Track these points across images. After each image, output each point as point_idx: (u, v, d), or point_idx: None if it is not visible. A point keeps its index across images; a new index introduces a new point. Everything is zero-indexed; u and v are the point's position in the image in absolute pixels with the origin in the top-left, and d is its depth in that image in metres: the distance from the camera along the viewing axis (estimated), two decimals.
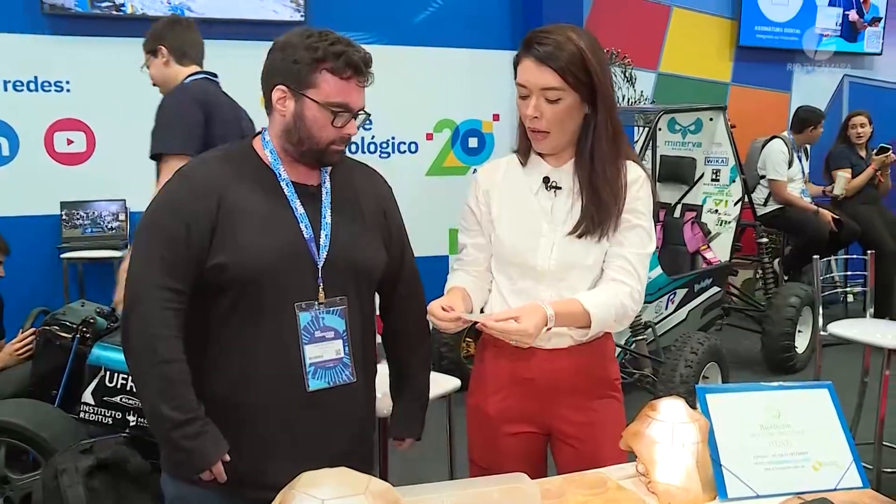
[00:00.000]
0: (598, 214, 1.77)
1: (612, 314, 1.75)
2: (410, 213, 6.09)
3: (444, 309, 1.70)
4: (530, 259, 1.82)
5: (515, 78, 1.77)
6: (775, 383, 1.78)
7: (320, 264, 1.69)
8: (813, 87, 6.73)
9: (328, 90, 1.63)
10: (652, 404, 1.69)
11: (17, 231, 4.62)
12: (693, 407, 1.69)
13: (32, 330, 3.24)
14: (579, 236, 1.78)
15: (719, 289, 4.82)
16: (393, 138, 5.49)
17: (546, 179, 1.83)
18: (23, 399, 2.93)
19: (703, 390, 1.75)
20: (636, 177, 1.81)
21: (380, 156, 5.46)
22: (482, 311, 1.88)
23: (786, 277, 5.82)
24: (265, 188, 1.69)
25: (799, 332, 4.93)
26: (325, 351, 1.69)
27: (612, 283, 1.79)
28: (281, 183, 1.70)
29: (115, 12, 4.68)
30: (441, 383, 2.56)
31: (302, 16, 5.02)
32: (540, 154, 1.84)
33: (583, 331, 1.78)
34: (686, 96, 6.20)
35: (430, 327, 1.84)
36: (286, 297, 1.66)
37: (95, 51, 4.69)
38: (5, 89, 4.64)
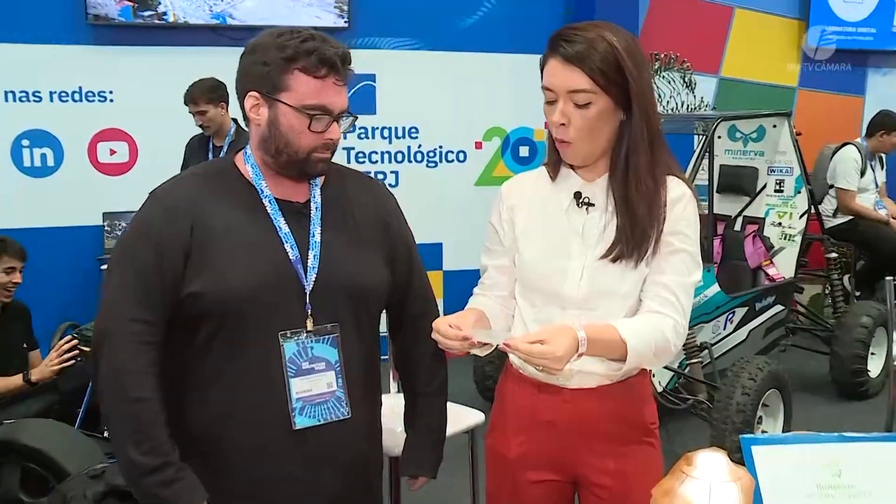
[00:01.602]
0: (634, 235, 1.56)
1: (650, 347, 1.54)
2: (458, 224, 6.00)
3: (451, 327, 1.50)
4: (557, 284, 1.62)
5: (542, 81, 1.58)
6: (835, 434, 1.54)
7: (308, 288, 1.54)
8: (889, 90, 6.33)
9: (302, 92, 1.50)
10: (687, 457, 1.47)
11: (59, 242, 4.63)
12: (737, 459, 1.48)
13: (69, 339, 3.17)
14: (613, 260, 1.58)
15: (783, 307, 4.52)
16: (440, 147, 5.34)
17: (577, 195, 1.63)
18: (42, 420, 2.86)
19: (749, 441, 1.52)
20: (680, 194, 1.60)
21: (427, 165, 5.32)
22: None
23: (857, 293, 5.47)
24: (246, 207, 1.55)
25: (872, 354, 4.59)
26: (314, 384, 1.55)
27: (651, 315, 1.58)
28: (263, 200, 1.56)
29: (157, 21, 4.65)
30: (462, 417, 2.38)
31: (346, 22, 4.92)
32: (572, 167, 1.65)
33: (616, 364, 1.57)
34: (749, 102, 5.90)
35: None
36: (270, 326, 1.51)
37: (138, 60, 4.68)
38: (50, 100, 4.65)
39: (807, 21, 6.03)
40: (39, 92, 4.63)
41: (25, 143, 4.66)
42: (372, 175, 5.99)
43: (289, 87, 1.50)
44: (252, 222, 1.54)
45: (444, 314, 1.73)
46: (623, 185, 1.58)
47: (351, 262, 1.60)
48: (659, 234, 1.58)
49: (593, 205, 1.63)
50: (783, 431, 3.65)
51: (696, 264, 1.61)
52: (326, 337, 1.56)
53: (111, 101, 4.72)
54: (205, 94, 4.16)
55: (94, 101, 4.70)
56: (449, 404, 2.53)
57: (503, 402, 1.77)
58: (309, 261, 1.55)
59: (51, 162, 4.71)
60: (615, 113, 1.55)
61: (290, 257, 1.54)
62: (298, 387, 1.53)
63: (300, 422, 1.53)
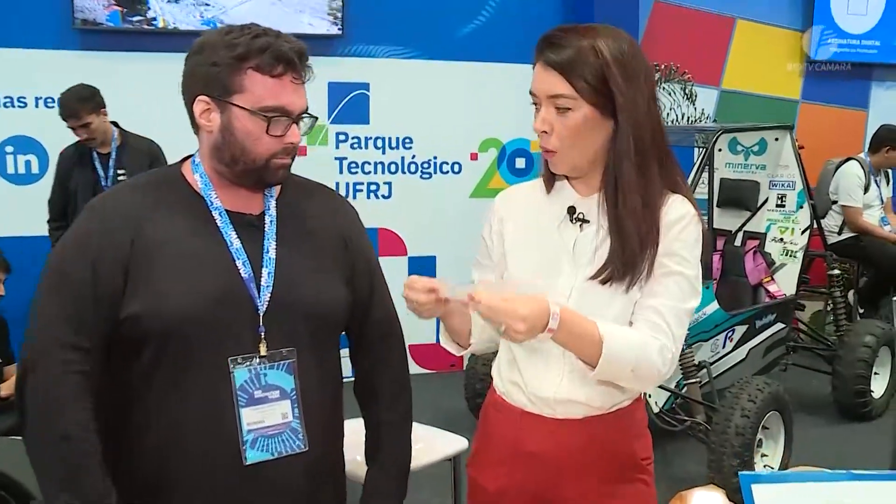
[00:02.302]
0: (624, 256, 1.45)
1: (630, 358, 1.41)
2: (453, 237, 5.87)
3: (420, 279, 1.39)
4: None
5: None
6: (842, 472, 1.42)
7: (262, 310, 1.42)
8: (893, 104, 6.23)
9: (257, 92, 1.38)
10: (681, 496, 1.36)
11: (44, 251, 4.49)
12: (735, 490, 1.36)
13: None
14: (603, 282, 1.46)
15: (784, 325, 4.40)
16: (435, 158, 5.22)
17: (571, 210, 1.52)
18: (7, 439, 2.74)
19: (749, 479, 1.40)
20: (681, 214, 1.48)
21: (421, 176, 5.21)
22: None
23: (861, 310, 5.36)
24: (194, 219, 1.42)
25: (875, 374, 4.47)
26: (267, 415, 1.42)
27: (641, 334, 1.46)
28: (213, 212, 1.43)
29: (146, 27, 4.55)
30: (444, 443, 2.25)
31: (339, 29, 4.82)
32: (567, 179, 1.54)
33: (602, 394, 1.45)
34: (751, 115, 5.79)
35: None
36: (218, 352, 1.39)
37: (127, 66, 4.56)
38: (36, 106, 4.54)
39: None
40: (25, 98, 4.52)
41: (10, 149, 4.55)
42: (364, 186, 5.86)
43: (242, 88, 1.38)
44: (199, 236, 1.42)
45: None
46: (613, 201, 1.47)
47: (309, 281, 1.48)
48: (653, 256, 1.46)
49: (588, 221, 1.51)
50: (784, 455, 3.53)
51: (693, 290, 1.48)
52: (281, 363, 1.44)
53: None
54: (86, 104, 3.93)
55: None
56: (431, 429, 2.42)
57: (485, 429, 1.66)
58: (263, 279, 1.43)
59: (36, 169, 4.59)
60: (602, 122, 1.45)
61: (242, 275, 1.42)
62: (250, 417, 1.40)
63: (252, 456, 1.40)
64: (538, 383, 1.53)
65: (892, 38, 6.14)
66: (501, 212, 1.61)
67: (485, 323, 1.59)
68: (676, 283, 1.46)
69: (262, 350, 1.42)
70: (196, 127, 1.45)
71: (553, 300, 1.38)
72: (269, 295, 1.42)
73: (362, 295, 1.58)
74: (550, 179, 1.56)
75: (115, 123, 4.16)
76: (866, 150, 5.55)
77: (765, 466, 3.45)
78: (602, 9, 5.10)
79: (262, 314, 1.42)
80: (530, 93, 1.48)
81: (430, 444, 2.02)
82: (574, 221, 1.52)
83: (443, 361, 4.98)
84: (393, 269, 5.19)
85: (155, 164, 4.23)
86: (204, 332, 1.38)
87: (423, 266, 5.21)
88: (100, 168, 4.13)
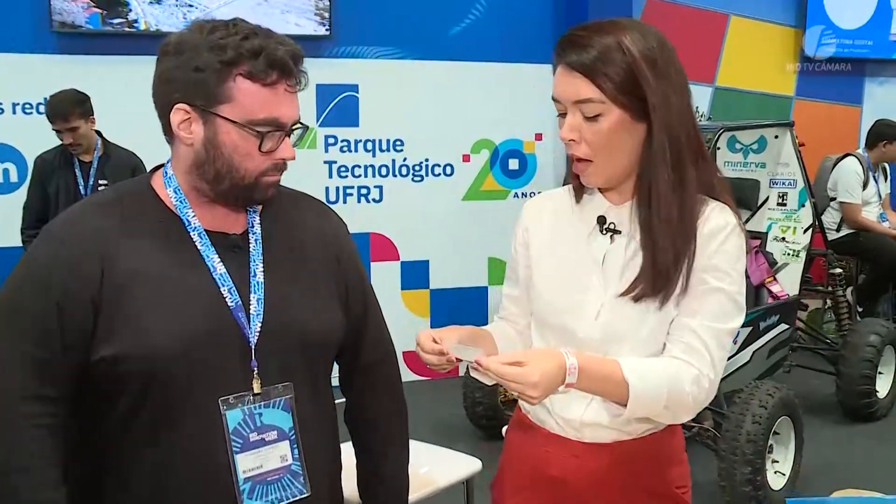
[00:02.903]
0: (656, 270, 1.33)
1: (661, 396, 1.30)
2: (445, 241, 5.75)
3: (434, 341, 1.29)
4: (570, 322, 1.40)
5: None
6: (877, 495, 1.32)
7: (253, 341, 1.27)
8: (887, 100, 6.18)
9: (248, 104, 1.22)
10: None
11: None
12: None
13: None
14: (635, 299, 1.35)
15: (788, 326, 4.31)
16: (427, 160, 5.11)
17: (602, 220, 1.41)
18: None
19: None
20: (721, 224, 1.36)
21: (412, 179, 5.09)
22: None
23: (860, 309, 5.28)
24: (169, 242, 1.26)
25: (880, 374, 4.39)
26: (265, 459, 1.28)
27: (671, 361, 1.34)
28: (191, 234, 1.28)
29: (128, 29, 4.41)
30: (456, 465, 2.13)
31: (327, 29, 4.69)
32: (600, 188, 1.42)
33: (619, 410, 1.33)
34: (745, 112, 5.71)
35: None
36: (207, 393, 1.23)
37: (108, 70, 4.42)
38: (13, 112, 4.39)
39: (803, 29, 5.86)
40: (1, 103, 4.36)
41: None
42: (355, 190, 5.72)
43: (230, 97, 1.22)
44: (178, 262, 1.25)
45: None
46: (646, 210, 1.35)
47: (302, 305, 1.34)
48: (689, 270, 1.34)
49: (619, 232, 1.40)
50: (795, 461, 3.44)
51: (736, 308, 1.36)
52: (277, 400, 1.30)
53: None
54: (75, 107, 3.84)
55: None
56: (440, 449, 2.30)
57: (509, 451, 1.55)
58: (252, 307, 1.28)
59: (14, 178, 4.44)
60: (635, 125, 1.33)
61: (229, 304, 1.26)
62: (246, 464, 1.26)
63: None
64: (565, 404, 1.42)
65: (885, 33, 6.08)
66: (527, 221, 1.50)
67: (502, 341, 1.49)
68: (717, 301, 1.34)
69: (256, 387, 1.27)
70: (171, 137, 1.29)
71: (566, 350, 1.27)
72: (259, 324, 1.28)
73: (356, 314, 1.45)
74: (580, 187, 1.44)
75: (99, 133, 4.04)
76: (863, 145, 5.49)
77: (776, 473, 3.36)
78: (595, 5, 5.00)
79: (253, 346, 1.27)
80: (553, 98, 1.36)
81: (440, 466, 1.89)
82: (605, 232, 1.41)
83: None
84: (385, 275, 5.12)
85: (135, 174, 4.10)
86: (190, 373, 1.23)
87: (416, 271, 5.09)
88: (80, 176, 4.01)
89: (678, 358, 1.33)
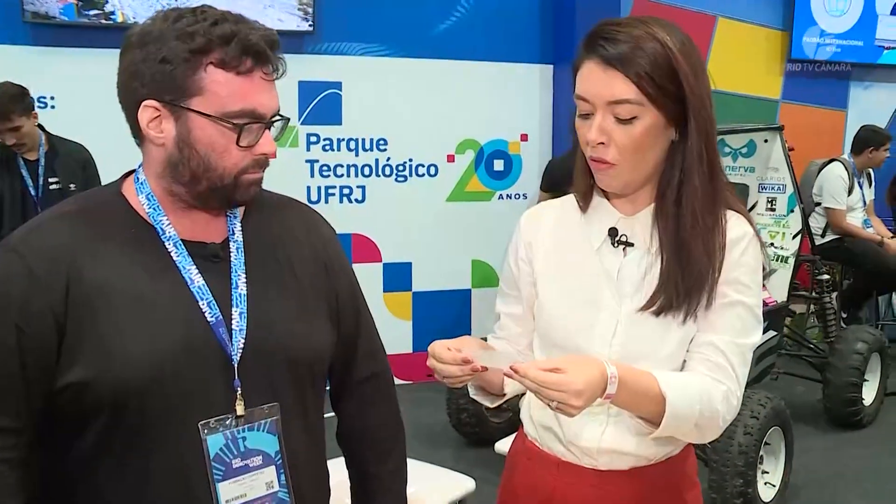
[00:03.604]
0: (686, 283, 1.25)
1: (694, 413, 1.22)
2: (429, 242, 5.64)
3: (449, 350, 1.21)
4: (583, 342, 1.31)
5: (574, 90, 1.28)
6: None
7: (235, 359, 1.17)
8: (871, 104, 6.18)
9: (221, 94, 1.12)
10: None
11: None
12: None
13: None
14: (657, 313, 1.27)
15: (776, 333, 4.27)
16: (410, 160, 5.00)
17: (613, 232, 1.32)
18: None
19: None
20: (740, 234, 1.29)
21: (396, 179, 4.99)
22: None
23: (844, 315, 5.27)
24: (143, 254, 1.16)
25: (865, 381, 4.37)
26: (249, 487, 1.18)
27: (704, 378, 1.27)
28: (166, 243, 1.17)
29: (104, 21, 4.26)
30: (448, 485, 2.04)
31: (310, 25, 4.58)
32: (606, 195, 1.34)
33: (647, 428, 1.25)
34: (732, 114, 5.66)
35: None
36: (186, 417, 1.14)
37: (83, 63, 4.25)
38: None
39: (790, 32, 5.84)
40: None
41: None
42: (337, 190, 5.60)
43: (201, 89, 1.12)
44: (152, 275, 1.15)
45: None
46: (675, 220, 1.27)
47: (289, 319, 1.24)
48: (714, 281, 1.27)
49: (632, 245, 1.32)
50: (784, 472, 3.39)
51: (756, 321, 1.30)
52: (262, 422, 1.20)
53: (52, 107, 4.29)
54: (16, 105, 3.56)
55: None
56: (431, 467, 2.21)
57: (513, 477, 1.46)
58: (234, 322, 1.18)
59: None
60: (666, 130, 1.25)
61: (209, 319, 1.16)
62: (229, 493, 1.16)
63: None
64: (577, 431, 1.34)
65: (871, 37, 6.07)
66: (528, 235, 1.41)
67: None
68: (738, 316, 1.28)
69: (239, 409, 1.17)
70: (140, 138, 1.19)
71: (605, 359, 1.19)
72: (242, 341, 1.18)
73: (348, 327, 1.36)
74: (588, 195, 1.36)
75: (41, 127, 3.82)
76: (848, 150, 5.48)
77: (766, 484, 3.31)
78: (583, 4, 4.93)
79: (236, 365, 1.17)
80: (579, 97, 1.27)
81: (432, 484, 1.81)
82: (616, 245, 1.33)
83: (419, 372, 4.77)
84: (367, 277, 5.00)
85: (88, 169, 3.93)
86: (166, 396, 1.12)
87: (399, 273, 5.00)
88: (28, 177, 3.78)
89: (707, 375, 1.27)
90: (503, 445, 2.75)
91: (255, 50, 1.13)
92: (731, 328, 1.28)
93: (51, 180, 3.79)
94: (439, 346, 1.23)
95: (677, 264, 1.26)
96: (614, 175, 1.27)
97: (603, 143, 1.24)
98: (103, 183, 4.06)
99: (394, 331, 4.82)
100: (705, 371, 1.27)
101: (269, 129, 1.19)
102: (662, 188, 1.29)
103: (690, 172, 1.26)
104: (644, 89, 1.21)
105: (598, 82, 1.23)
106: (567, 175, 4.22)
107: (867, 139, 5.33)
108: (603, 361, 1.18)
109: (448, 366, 1.21)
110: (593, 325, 1.31)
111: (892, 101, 6.29)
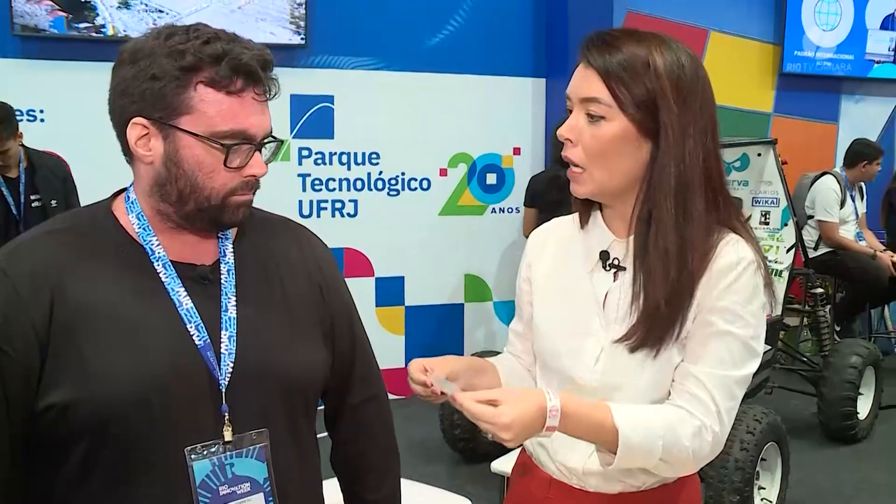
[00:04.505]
0: (648, 315, 1.22)
1: (656, 448, 1.18)
2: (421, 256, 5.61)
3: (425, 370, 1.23)
4: (569, 366, 1.29)
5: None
6: None
7: (223, 384, 1.15)
8: (862, 118, 6.19)
9: (210, 114, 1.11)
10: None
11: None
12: None
13: None
14: (632, 349, 1.23)
15: (770, 347, 4.25)
16: (403, 174, 4.99)
17: (604, 255, 1.30)
18: None
19: None
20: (733, 261, 1.23)
21: (388, 193, 4.97)
22: None
23: (837, 328, 5.27)
24: (131, 275, 1.14)
25: (860, 394, 4.36)
26: None
27: (673, 410, 1.22)
28: (155, 264, 1.15)
29: (94, 34, 4.24)
30: None
31: (302, 38, 4.56)
32: (601, 213, 1.32)
33: (608, 458, 1.20)
34: (724, 128, 5.52)
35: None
36: (172, 442, 1.11)
37: (73, 77, 4.24)
38: None
39: (782, 46, 5.85)
40: None
41: None
42: (329, 204, 5.55)
43: (191, 107, 1.10)
44: (139, 296, 1.13)
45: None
46: (643, 240, 1.24)
47: (281, 343, 1.22)
48: (685, 311, 1.22)
49: (624, 268, 1.29)
50: (781, 488, 3.36)
51: (748, 354, 1.23)
52: (251, 448, 1.17)
53: (42, 120, 4.27)
54: (4, 128, 3.49)
55: (21, 120, 4.18)
56: (427, 488, 2.18)
57: (511, 494, 1.46)
58: (223, 345, 1.16)
59: None
60: (641, 143, 1.22)
61: (197, 342, 1.14)
62: None
63: None
64: (566, 452, 1.32)
65: (861, 51, 6.10)
66: (531, 256, 1.40)
67: (510, 377, 1.40)
68: (726, 347, 1.21)
69: (227, 435, 1.15)
70: (130, 156, 1.17)
71: (551, 391, 1.17)
72: (231, 365, 1.16)
73: (343, 351, 1.33)
74: (585, 210, 1.34)
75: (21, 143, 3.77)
76: (840, 164, 5.49)
77: (762, 500, 3.28)
78: (575, 18, 4.94)
79: (224, 390, 1.15)
80: (566, 96, 1.27)
81: None
82: (608, 268, 1.30)
83: None
84: (359, 291, 4.95)
85: (67, 183, 3.87)
86: (152, 420, 1.10)
87: (391, 288, 4.96)
88: (9, 195, 3.70)
89: (682, 408, 1.22)
90: (499, 464, 2.72)
91: (247, 70, 1.12)
92: (716, 359, 1.21)
93: (32, 198, 3.72)
94: (415, 367, 1.24)
95: (640, 290, 1.23)
96: (582, 181, 1.25)
97: (570, 140, 1.24)
98: (80, 197, 4.02)
99: (386, 345, 4.78)
100: (681, 403, 1.22)
101: (261, 150, 1.17)
102: (641, 209, 1.25)
103: (653, 193, 1.22)
104: (613, 91, 1.20)
105: (578, 79, 1.24)
106: (543, 186, 4.25)
107: (861, 153, 5.34)
108: (546, 394, 1.15)
109: (416, 385, 1.23)
110: (580, 350, 1.29)
111: (883, 114, 6.31)
